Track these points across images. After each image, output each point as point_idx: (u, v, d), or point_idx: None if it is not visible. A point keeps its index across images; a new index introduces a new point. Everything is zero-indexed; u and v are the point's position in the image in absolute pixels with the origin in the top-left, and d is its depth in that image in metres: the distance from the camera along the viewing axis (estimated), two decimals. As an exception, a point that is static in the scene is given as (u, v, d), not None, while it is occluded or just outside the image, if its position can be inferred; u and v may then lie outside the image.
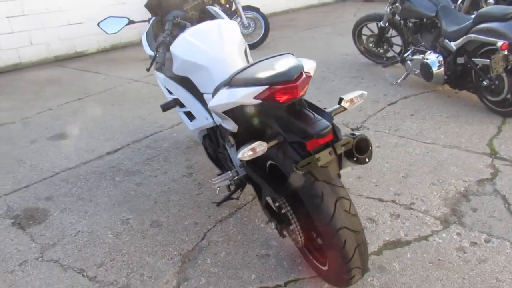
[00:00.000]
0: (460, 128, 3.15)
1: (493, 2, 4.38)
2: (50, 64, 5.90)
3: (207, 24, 2.09)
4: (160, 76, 2.37)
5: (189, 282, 1.88)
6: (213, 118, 2.03)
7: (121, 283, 1.89)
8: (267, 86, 1.36)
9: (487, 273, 1.82)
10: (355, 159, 1.52)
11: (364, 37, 4.76)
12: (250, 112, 1.47)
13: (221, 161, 2.25)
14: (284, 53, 1.53)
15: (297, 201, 1.58)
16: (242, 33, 6.32)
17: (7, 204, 2.56)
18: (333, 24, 7.24)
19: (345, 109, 1.50)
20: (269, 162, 1.70)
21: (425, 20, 3.83)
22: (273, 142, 1.43)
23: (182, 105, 2.30)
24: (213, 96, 1.68)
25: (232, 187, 2.19)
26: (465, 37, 3.29)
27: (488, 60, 3.07)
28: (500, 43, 2.95)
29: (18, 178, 2.85)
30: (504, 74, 3.08)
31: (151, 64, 2.21)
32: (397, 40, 4.44)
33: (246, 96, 1.39)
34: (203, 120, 2.14)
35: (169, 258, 2.03)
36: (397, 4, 3.99)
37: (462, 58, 3.38)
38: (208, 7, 2.51)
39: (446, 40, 3.50)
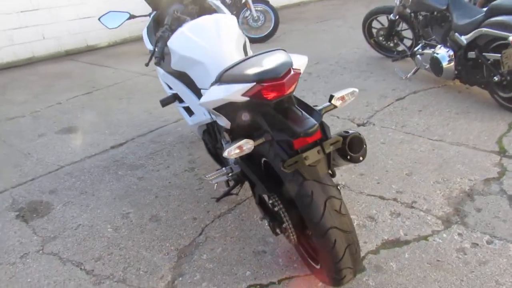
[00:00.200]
0: (469, 125, 3.07)
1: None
2: (61, 58, 5.98)
3: (204, 19, 2.07)
4: (160, 71, 2.37)
5: (184, 277, 1.88)
6: (210, 114, 2.02)
7: (117, 277, 1.90)
8: (254, 83, 1.34)
9: (486, 275, 1.77)
10: (348, 157, 1.50)
11: (374, 30, 4.68)
12: (239, 109, 1.45)
13: (220, 157, 2.24)
14: (275, 49, 1.50)
15: (290, 199, 1.56)
16: (251, 26, 6.25)
17: (12, 197, 2.61)
18: (344, 17, 7.13)
19: (335, 107, 1.47)
20: (264, 159, 1.68)
21: (435, 13, 3.72)
22: (260, 141, 1.41)
23: (181, 100, 2.30)
24: (207, 93, 1.66)
25: (231, 183, 2.18)
26: (476, 30, 3.19)
27: (499, 55, 2.98)
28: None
29: (25, 171, 2.90)
30: (515, 70, 2.99)
31: (150, 59, 2.20)
32: (408, 33, 4.35)
33: (234, 93, 1.38)
34: (201, 116, 2.13)
35: (165, 253, 2.04)
36: (408, -4, 3.91)
37: (473, 52, 3.29)
38: (209, 0, 2.49)
39: (456, 34, 3.41)
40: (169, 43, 2.08)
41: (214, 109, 1.51)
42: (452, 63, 3.49)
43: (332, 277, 1.53)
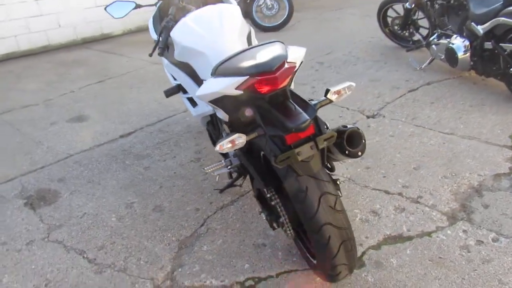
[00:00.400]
0: (482, 118, 2.98)
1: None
2: (77, 46, 6.04)
3: (207, 9, 2.05)
4: (164, 61, 2.37)
5: (183, 268, 1.89)
6: (212, 106, 2.01)
7: (118, 266, 1.93)
8: (248, 77, 1.32)
9: (490, 274, 1.73)
10: (346, 152, 1.47)
11: (389, 19, 4.56)
12: (235, 102, 1.44)
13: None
14: (272, 41, 1.47)
15: (287, 193, 1.54)
16: (265, 14, 6.18)
17: (22, 184, 2.66)
18: (361, 5, 6.97)
19: (331, 101, 1.43)
20: (262, 152, 1.66)
21: (452, 1, 3.60)
22: (253, 135, 1.39)
23: (185, 91, 2.29)
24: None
25: (234, 175, 2.18)
26: (493, 20, 3.08)
27: (517, 46, 2.87)
28: (529, 27, 2.75)
29: (35, 160, 2.96)
30: (533, 61, 2.88)
31: (154, 49, 2.20)
32: (424, 22, 4.22)
33: (228, 86, 1.36)
34: (204, 107, 2.12)
35: (167, 243, 2.05)
36: (424, -16, 3.79)
37: (490, 43, 3.17)
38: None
39: (473, 23, 3.29)
40: (172, 33, 2.07)
41: (211, 102, 1.50)
42: (468, 54, 3.38)
43: (327, 273, 1.51)
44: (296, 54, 1.41)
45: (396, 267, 1.80)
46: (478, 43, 3.28)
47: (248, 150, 1.74)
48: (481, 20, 3.20)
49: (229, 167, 1.83)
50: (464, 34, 3.44)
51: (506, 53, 3.06)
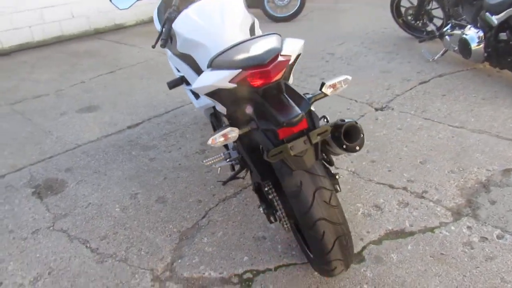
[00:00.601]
0: (495, 111, 2.91)
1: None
2: (90, 37, 6.08)
3: (209, 0, 2.02)
4: (168, 52, 2.36)
5: (183, 259, 1.91)
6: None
7: (120, 257, 1.96)
8: (240, 70, 1.30)
9: (492, 272, 1.69)
10: (344, 146, 1.45)
11: (402, 9, 4.46)
12: (230, 96, 1.42)
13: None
14: (269, 33, 1.45)
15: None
16: (277, 4, 6.10)
17: (31, 174, 2.71)
18: (376, -5, 6.83)
19: (326, 95, 1.41)
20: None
21: (466, -10, 3.50)
22: (246, 129, 1.38)
23: (188, 83, 2.28)
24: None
25: (237, 167, 2.17)
26: (508, 10, 2.99)
27: (532, 37, 2.78)
28: (546, 17, 2.65)
29: (44, 149, 3.00)
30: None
31: (157, 41, 2.19)
32: (439, 12, 4.12)
33: (222, 79, 1.34)
34: (206, 99, 2.10)
35: (168, 234, 2.07)
36: (438, -27, 3.68)
37: (504, 33, 3.08)
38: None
39: (487, 13, 3.19)
40: (174, 25, 2.06)
41: (208, 95, 1.49)
42: (482, 45, 3.29)
43: (323, 268, 1.50)
44: (292, 47, 1.38)
45: (396, 263, 1.77)
46: (492, 33, 3.18)
47: (249, 143, 1.73)
48: (495, 10, 3.11)
49: (228, 160, 1.82)
50: (478, 24, 3.34)
51: (521, 44, 2.96)
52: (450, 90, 3.29)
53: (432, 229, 1.94)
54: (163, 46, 2.11)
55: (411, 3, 4.36)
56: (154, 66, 4.53)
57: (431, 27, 4.24)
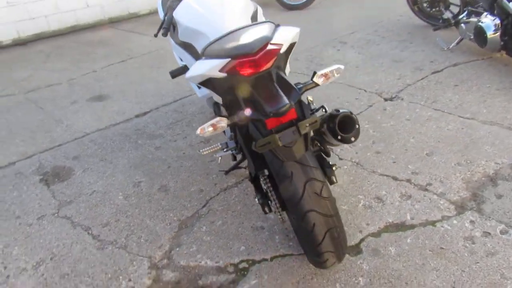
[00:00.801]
0: (508, 102, 2.81)
1: None
2: (103, 26, 6.13)
3: (210, -12, 2.00)
4: (171, 41, 2.35)
5: (181, 248, 1.92)
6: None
7: (120, 244, 1.98)
8: (230, 59, 1.29)
9: (492, 267, 1.65)
10: (339, 137, 1.42)
11: (418, -4, 4.34)
12: (222, 85, 1.41)
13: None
14: (262, 22, 1.42)
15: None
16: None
17: (39, 161, 2.77)
18: (394, -19, 6.66)
19: (317, 85, 1.38)
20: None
21: (484, -24, 3.37)
22: (234, 119, 1.37)
23: (190, 72, 2.27)
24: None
25: (238, 157, 2.17)
26: (526, -4, 2.86)
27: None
28: None
29: (54, 137, 3.06)
30: None
31: (159, 30, 2.18)
32: (455, -1, 3.99)
33: (212, 68, 1.33)
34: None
35: (168, 223, 2.09)
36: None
37: (522, 21, 2.97)
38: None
39: (505, 0, 3.07)
40: (174, 13, 2.05)
41: (202, 84, 1.48)
42: (498, 33, 3.17)
43: (315, 260, 1.49)
44: (284, 35, 1.35)
45: (393, 256, 1.75)
46: (510, 21, 3.06)
47: (246, 133, 1.72)
48: (513, -3, 2.99)
49: (225, 149, 1.82)
50: (495, 12, 3.22)
51: (538, 32, 2.85)
52: (464, 80, 3.20)
53: (433, 223, 1.90)
54: (164, 35, 2.10)
55: (427, -11, 4.24)
56: (164, 56, 4.54)
57: (447, 15, 4.11)
